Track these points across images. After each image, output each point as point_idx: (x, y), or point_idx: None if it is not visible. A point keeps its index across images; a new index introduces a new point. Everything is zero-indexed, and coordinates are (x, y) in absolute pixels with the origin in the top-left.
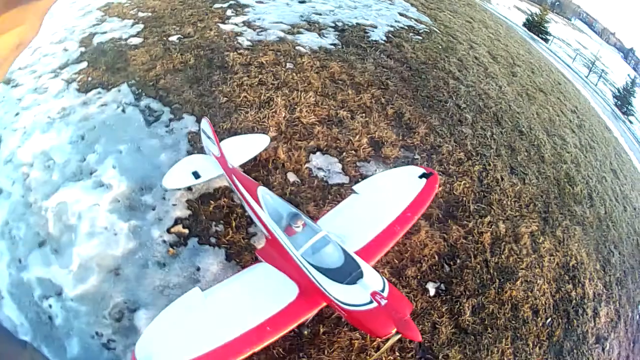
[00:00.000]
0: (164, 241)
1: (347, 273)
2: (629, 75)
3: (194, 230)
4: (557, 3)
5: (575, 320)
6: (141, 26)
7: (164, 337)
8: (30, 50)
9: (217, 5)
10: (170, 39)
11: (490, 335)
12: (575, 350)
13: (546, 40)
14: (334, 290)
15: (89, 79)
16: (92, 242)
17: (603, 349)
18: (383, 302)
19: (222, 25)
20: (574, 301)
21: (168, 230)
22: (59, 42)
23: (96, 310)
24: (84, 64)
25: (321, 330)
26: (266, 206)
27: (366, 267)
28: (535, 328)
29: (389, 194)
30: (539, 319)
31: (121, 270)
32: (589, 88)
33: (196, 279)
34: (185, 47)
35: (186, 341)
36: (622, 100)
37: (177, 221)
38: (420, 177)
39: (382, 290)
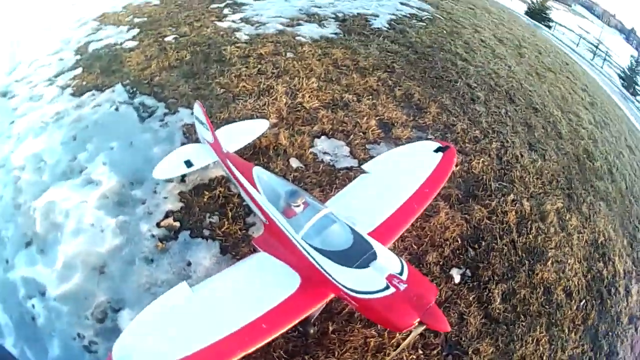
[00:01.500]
0: (153, 236)
1: (358, 255)
2: (632, 56)
3: (186, 223)
4: None
5: (608, 301)
6: (137, 30)
7: (146, 336)
8: (26, 63)
9: (213, 6)
10: (166, 39)
11: (523, 323)
12: (610, 333)
13: (549, 27)
14: (342, 276)
15: (84, 83)
16: (78, 239)
17: (636, 329)
18: (402, 286)
19: (219, 23)
20: (606, 280)
21: (158, 225)
22: (54, 52)
23: (78, 311)
24: (79, 70)
25: (330, 328)
26: (262, 187)
27: (380, 248)
28: (569, 312)
29: (402, 171)
30: (573, 301)
31: (106, 267)
32: (595, 70)
33: (186, 274)
34: (181, 45)
35: (169, 341)
36: (629, 80)
37: (167, 214)
38: (436, 151)
39: (401, 273)
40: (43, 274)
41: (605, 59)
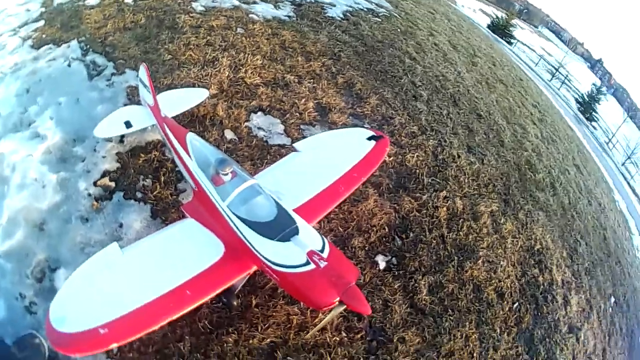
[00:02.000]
0: (89, 194)
1: (280, 228)
2: (594, 84)
3: (121, 184)
4: (525, 10)
5: (544, 307)
6: None
7: (79, 297)
8: None
9: None
10: (126, 1)
11: (451, 317)
12: (547, 339)
13: (510, 43)
14: (264, 247)
15: (44, 36)
16: (22, 194)
17: (577, 339)
18: (322, 263)
19: None
20: (542, 287)
21: (94, 183)
22: (23, 3)
23: (20, 269)
24: (42, 22)
25: (254, 302)
26: (194, 153)
27: (303, 224)
28: (501, 312)
29: (333, 153)
30: (505, 302)
31: (45, 225)
32: (551, 91)
33: (118, 236)
34: (139, 8)
35: (100, 303)
36: (586, 106)
37: (104, 174)
38: (369, 139)
39: (322, 251)
40: None
41: (563, 82)
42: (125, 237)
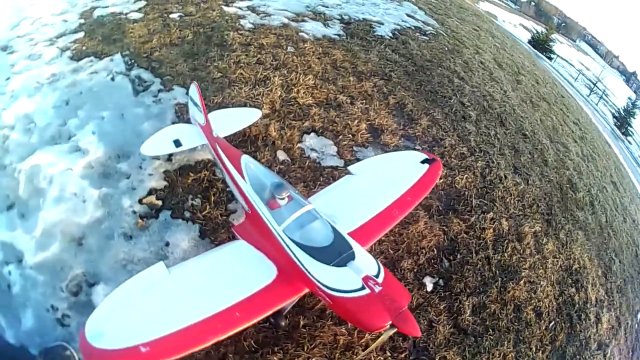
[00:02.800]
0: (134, 212)
1: (336, 253)
2: (629, 98)
3: (168, 203)
4: (563, 24)
5: (578, 325)
6: (143, 2)
7: (119, 315)
8: (30, 20)
9: None
10: (172, 16)
11: (491, 337)
12: (577, 356)
13: (550, 58)
14: (319, 272)
15: (84, 47)
16: (59, 207)
17: (605, 356)
18: (377, 288)
19: (225, 8)
20: (577, 305)
21: (140, 201)
22: (60, 13)
23: (54, 281)
24: (81, 34)
25: (301, 322)
26: (248, 176)
27: (359, 249)
28: (538, 331)
29: (387, 177)
30: (542, 322)
31: (84, 240)
32: (589, 107)
33: (164, 254)
34: (185, 24)
35: (142, 322)
36: (622, 121)
37: (151, 192)
38: (422, 162)
39: (377, 276)
40: (22, 240)
41: (601, 97)
42: (171, 256)
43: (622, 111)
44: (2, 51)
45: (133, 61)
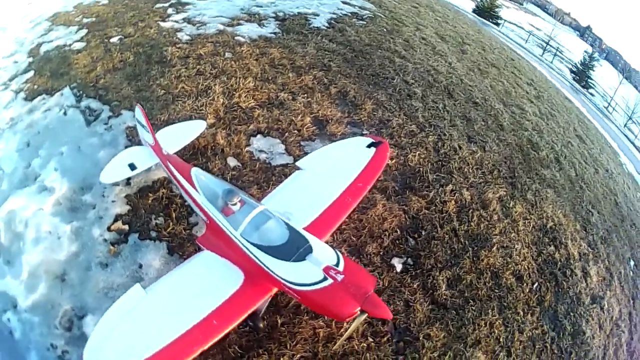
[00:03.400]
0: (105, 240)
1: (294, 249)
2: (586, 51)
3: (134, 226)
4: None
5: (564, 283)
6: (85, 31)
7: (110, 341)
8: None
9: (158, 5)
10: (112, 40)
11: (473, 307)
12: (571, 313)
13: (497, 24)
14: (281, 269)
15: (35, 86)
16: (38, 248)
17: (602, 308)
18: (339, 277)
19: (162, 23)
20: (559, 263)
21: (108, 229)
22: (10, 55)
23: (48, 320)
24: (31, 73)
25: (279, 321)
26: (200, 187)
27: (315, 241)
28: (522, 295)
29: (336, 166)
30: (525, 284)
31: (66, 275)
32: (544, 66)
33: (139, 276)
34: (125, 46)
35: (131, 343)
36: (581, 74)
37: (117, 218)
38: (369, 146)
39: (337, 265)
40: (12, 285)
41: (555, 54)
42: (146, 277)
43: (579, 65)
44: None
45: (81, 92)
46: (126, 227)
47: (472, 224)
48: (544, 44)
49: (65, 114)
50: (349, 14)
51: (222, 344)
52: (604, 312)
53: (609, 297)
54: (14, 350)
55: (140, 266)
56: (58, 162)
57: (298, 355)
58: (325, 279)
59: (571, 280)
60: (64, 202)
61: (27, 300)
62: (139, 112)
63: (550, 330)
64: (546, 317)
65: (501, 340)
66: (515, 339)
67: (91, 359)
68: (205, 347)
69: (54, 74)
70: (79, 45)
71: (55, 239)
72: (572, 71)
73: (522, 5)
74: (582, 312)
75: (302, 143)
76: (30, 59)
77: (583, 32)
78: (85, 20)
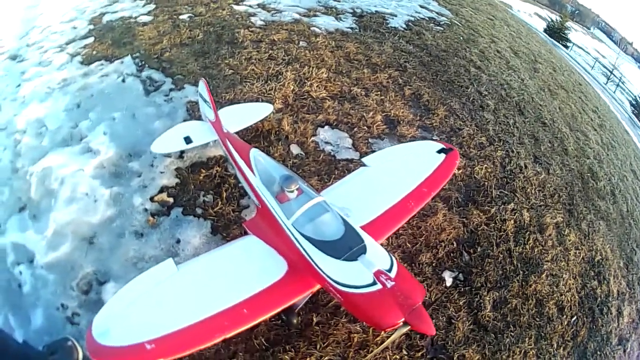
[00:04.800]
0: (145, 209)
1: (347, 247)
2: None
3: (180, 200)
4: (577, 12)
5: (600, 319)
6: (153, 6)
7: (126, 312)
8: (39, 29)
9: None
10: (181, 17)
11: (512, 333)
12: (598, 352)
13: (566, 46)
14: (329, 267)
15: (94, 52)
16: (71, 207)
17: (624, 351)
18: (389, 284)
19: (235, 6)
20: (599, 299)
21: (151, 199)
22: (68, 21)
23: (64, 280)
24: (91, 39)
25: (314, 320)
26: (257, 169)
27: (371, 242)
28: (560, 327)
29: (403, 168)
30: (564, 316)
31: (95, 238)
32: (607, 94)
33: (175, 252)
34: (195, 24)
35: (149, 319)
36: (639, 108)
37: (162, 189)
38: (439, 152)
39: (389, 270)
40: (33, 240)
41: (618, 85)
42: (182, 253)
43: (638, 98)
44: (12, 60)
45: (144, 62)
46: (171, 199)
47: (527, 246)
48: (609, 73)
49: (123, 81)
50: (427, 18)
51: (249, 333)
52: (625, 355)
53: (633, 339)
54: (18, 304)
55: (178, 241)
56: (108, 126)
57: (326, 358)
58: (374, 283)
59: (606, 318)
60: (108, 166)
61: (46, 257)
62: (202, 86)
63: None
64: (576, 352)
65: None
66: None
67: (101, 326)
68: (228, 336)
69: (116, 42)
70: (145, 19)
71: (91, 202)
72: (631, 104)
73: (590, 30)
74: (607, 352)
75: (370, 140)
76: (91, 27)
77: None
78: None
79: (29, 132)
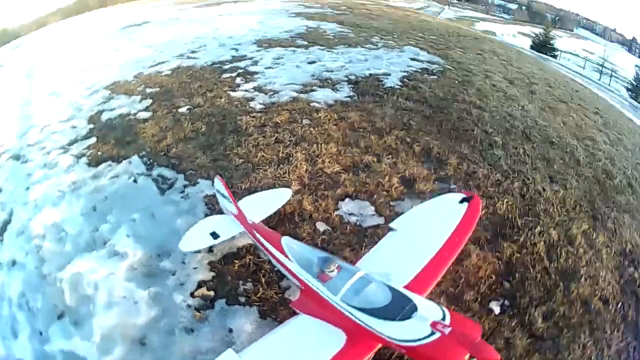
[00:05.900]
0: (189, 306)
1: (399, 308)
2: (636, 65)
3: (221, 292)
4: (558, 18)
5: None
6: (150, 101)
7: None
8: (38, 128)
9: (225, 75)
10: (180, 110)
11: (567, 335)
12: None
13: (555, 56)
14: (387, 329)
15: (99, 153)
16: (112, 311)
17: None
18: (447, 330)
19: (232, 93)
20: (638, 281)
21: (192, 294)
22: (67, 120)
23: None
24: (93, 139)
25: None
26: (293, 256)
27: (419, 299)
28: (609, 315)
29: (430, 224)
30: (610, 306)
31: (146, 339)
32: (604, 89)
33: (230, 340)
34: (196, 116)
35: None
36: (636, 91)
37: (200, 284)
38: (461, 202)
39: (443, 319)
40: (82, 347)
41: (611, 76)
42: (237, 340)
43: (633, 81)
44: (15, 160)
45: (152, 161)
46: (212, 292)
47: (561, 260)
48: (600, 67)
49: (135, 181)
50: (419, 70)
51: None
52: None
53: None
54: None
55: (231, 330)
56: (130, 228)
57: None
58: (433, 333)
59: None
60: (139, 268)
61: None
62: (218, 182)
63: (633, 340)
64: (629, 330)
65: (593, 358)
66: (605, 354)
67: None
68: None
69: (119, 141)
70: (144, 115)
71: (131, 304)
72: (627, 89)
73: (573, 31)
74: None
75: (391, 203)
76: (91, 125)
77: (630, 45)
78: (148, 90)
79: (48, 237)
